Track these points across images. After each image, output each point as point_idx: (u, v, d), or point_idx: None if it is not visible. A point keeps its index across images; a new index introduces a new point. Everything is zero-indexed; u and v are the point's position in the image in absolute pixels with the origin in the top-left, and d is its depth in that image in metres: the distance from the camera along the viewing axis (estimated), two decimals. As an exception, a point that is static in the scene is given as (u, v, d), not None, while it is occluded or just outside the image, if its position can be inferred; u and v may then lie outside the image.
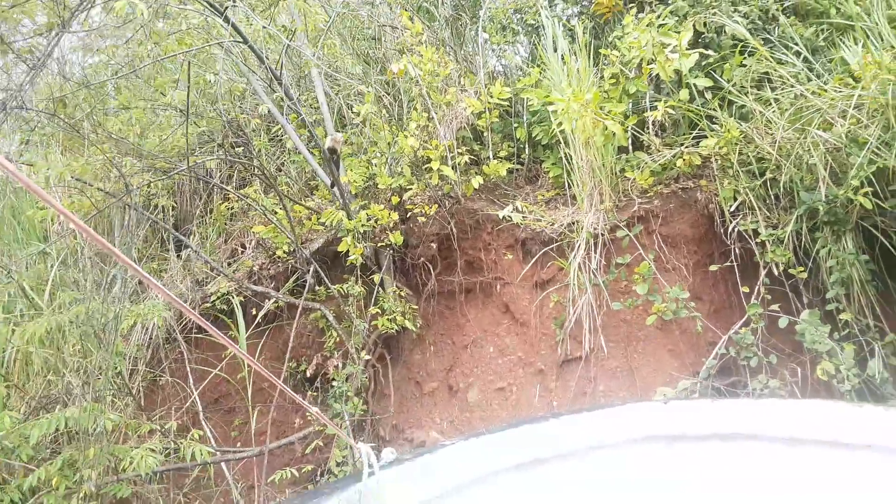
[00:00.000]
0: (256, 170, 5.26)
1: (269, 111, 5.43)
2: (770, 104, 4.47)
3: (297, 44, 5.13)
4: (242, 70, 5.08)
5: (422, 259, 5.27)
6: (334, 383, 4.44)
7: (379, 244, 5.17)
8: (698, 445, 2.80)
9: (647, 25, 4.52)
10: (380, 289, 5.10)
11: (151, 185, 4.61)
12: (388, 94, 5.91)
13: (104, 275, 4.27)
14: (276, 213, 5.21)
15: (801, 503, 2.59)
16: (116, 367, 3.87)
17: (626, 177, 4.85)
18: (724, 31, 4.83)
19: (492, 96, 5.50)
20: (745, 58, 4.60)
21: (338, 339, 5.01)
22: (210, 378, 4.74)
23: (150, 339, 4.98)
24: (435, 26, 6.61)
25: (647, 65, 4.53)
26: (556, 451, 2.78)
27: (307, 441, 4.51)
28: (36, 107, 4.18)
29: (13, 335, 3.42)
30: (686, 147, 4.62)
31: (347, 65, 6.07)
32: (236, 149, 5.25)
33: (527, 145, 5.76)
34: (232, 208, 6.08)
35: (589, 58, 4.91)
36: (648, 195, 4.74)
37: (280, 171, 6.23)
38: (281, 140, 6.34)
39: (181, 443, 3.62)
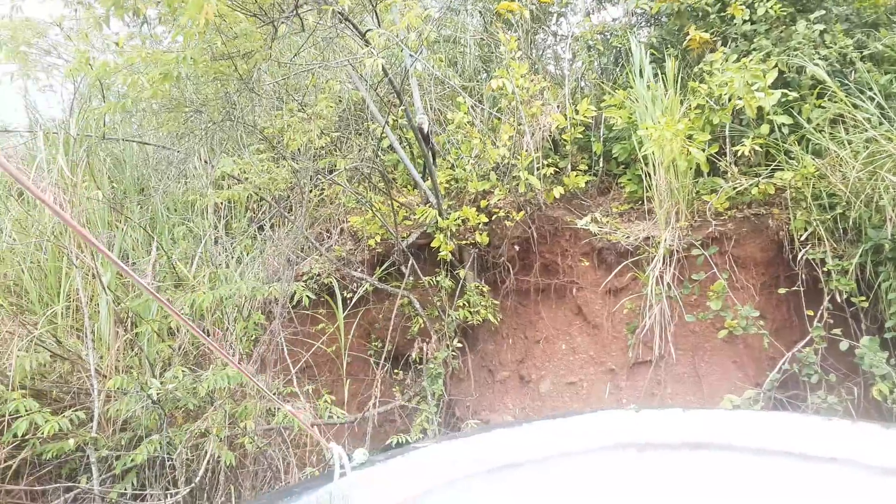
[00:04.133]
0: (377, 171, 5.75)
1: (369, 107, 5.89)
2: (843, 145, 4.86)
3: (408, 60, 5.55)
4: (354, 80, 5.54)
5: (502, 259, 5.72)
6: (430, 364, 4.91)
7: (464, 242, 5.63)
8: (668, 454, 2.87)
9: (739, 67, 4.92)
10: (463, 283, 5.57)
11: (273, 174, 5.09)
12: (479, 103, 6.34)
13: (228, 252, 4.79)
14: (377, 207, 5.66)
15: None
16: (253, 335, 4.39)
17: (702, 199, 5.26)
18: (805, 72, 5.21)
19: (577, 113, 5.93)
20: (823, 100, 4.99)
21: (422, 325, 5.49)
22: (311, 350, 5.21)
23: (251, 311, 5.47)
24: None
25: (736, 100, 4.92)
26: (528, 456, 2.81)
27: (406, 410, 5.01)
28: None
29: (184, 304, 3.91)
30: (762, 177, 5.02)
31: (440, 72, 6.50)
32: (362, 151, 5.72)
33: (601, 160, 6.19)
34: (321, 195, 6.55)
35: (676, 87, 5.33)
36: (723, 218, 5.16)
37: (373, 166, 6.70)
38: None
39: (317, 403, 4.13)
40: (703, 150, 5.10)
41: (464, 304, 5.43)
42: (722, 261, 5.01)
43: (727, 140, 5.31)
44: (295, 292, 4.51)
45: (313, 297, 4.91)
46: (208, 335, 4.20)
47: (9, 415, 3.53)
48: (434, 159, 5.66)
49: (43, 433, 3.47)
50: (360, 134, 6.19)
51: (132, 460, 3.64)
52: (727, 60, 5.24)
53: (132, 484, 3.84)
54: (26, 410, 3.51)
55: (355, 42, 5.09)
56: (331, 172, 5.74)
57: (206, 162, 5.26)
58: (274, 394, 3.55)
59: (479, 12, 7.50)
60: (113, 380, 3.61)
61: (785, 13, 5.35)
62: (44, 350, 3.97)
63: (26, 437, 3.63)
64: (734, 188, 5.16)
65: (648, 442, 2.89)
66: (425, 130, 5.40)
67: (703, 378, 4.79)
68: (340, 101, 5.77)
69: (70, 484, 3.85)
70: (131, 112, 5.21)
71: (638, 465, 2.85)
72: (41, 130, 4.90)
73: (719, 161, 5.30)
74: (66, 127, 4.82)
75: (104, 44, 4.68)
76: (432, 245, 5.43)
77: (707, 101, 5.20)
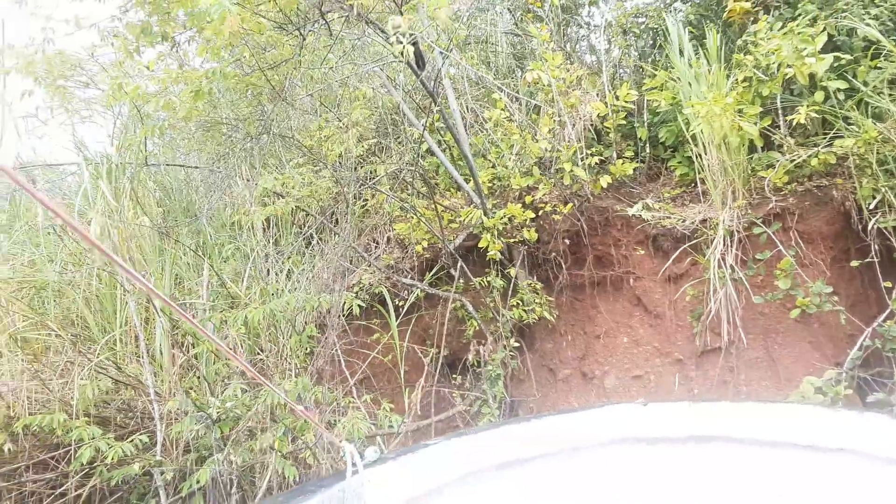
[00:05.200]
0: (418, 175, 5.69)
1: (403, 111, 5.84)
2: (906, 105, 4.59)
3: (439, 59, 5.48)
4: (387, 85, 5.50)
5: (553, 254, 5.58)
6: (488, 367, 4.79)
7: (512, 240, 5.50)
8: (676, 447, 2.84)
9: (785, 33, 4.70)
10: (515, 281, 5.44)
11: (313, 187, 5.07)
12: (515, 100, 6.23)
13: (277, 266, 4.76)
14: (421, 212, 5.58)
15: None
16: (307, 348, 4.34)
17: (758, 175, 5.03)
18: (856, 34, 4.95)
19: (618, 98, 5.76)
20: (879, 60, 4.72)
21: (476, 327, 5.38)
22: (367, 360, 5.15)
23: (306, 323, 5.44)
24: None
25: (786, 68, 4.70)
26: (537, 451, 2.79)
27: (469, 414, 4.90)
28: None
29: (235, 320, 3.89)
30: (822, 147, 4.78)
31: (474, 69, 6.42)
32: (403, 158, 5.68)
33: (647, 144, 6.00)
34: (365, 205, 6.52)
35: (720, 61, 5.12)
36: (783, 193, 4.92)
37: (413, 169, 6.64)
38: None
39: (378, 413, 4.05)
40: (756, 124, 4.88)
41: (517, 303, 5.29)
42: (786, 237, 4.77)
43: (779, 112, 5.08)
44: (345, 302, 4.44)
45: (364, 305, 4.84)
46: (264, 352, 4.17)
47: (74, 443, 3.54)
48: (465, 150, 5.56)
49: (108, 459, 3.47)
50: (398, 139, 6.14)
51: (197, 481, 3.61)
52: (772, 29, 5.01)
53: (200, 505, 3.82)
54: (90, 438, 3.51)
55: (386, 48, 5.04)
56: (372, 180, 5.69)
57: (247, 180, 5.26)
58: (331, 405, 3.49)
59: (509, 10, 7.40)
60: (172, 401, 3.60)
61: (830, -26, 5.10)
62: (105, 377, 3.99)
63: (94, 464, 3.64)
64: (792, 161, 4.92)
65: (657, 436, 2.88)
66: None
67: (777, 361, 4.55)
68: (375, 109, 5.74)
69: (139, 509, 3.85)
70: (169, 135, 5.26)
71: (647, 459, 2.85)
72: (83, 161, 4.96)
73: (773, 134, 5.07)
74: (108, 156, 4.89)
75: (137, 70, 4.73)
76: (480, 245, 5.32)
77: (754, 73, 4.98)
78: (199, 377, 4.11)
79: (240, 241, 5.07)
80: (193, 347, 4.33)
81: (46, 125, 5.43)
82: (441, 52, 4.98)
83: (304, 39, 4.60)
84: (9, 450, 3.69)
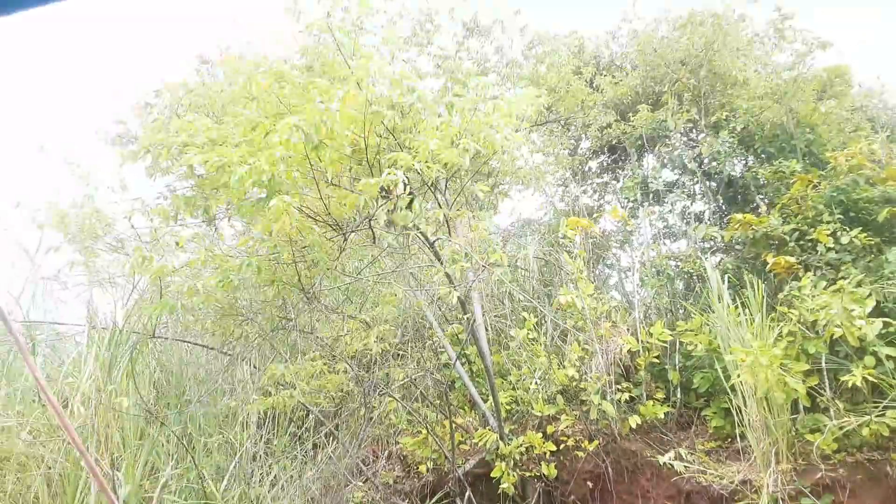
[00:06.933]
0: (438, 386, 5.37)
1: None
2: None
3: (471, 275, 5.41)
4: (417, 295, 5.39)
5: (572, 497, 5.00)
6: None
7: (528, 474, 4.96)
8: None
9: (834, 291, 4.58)
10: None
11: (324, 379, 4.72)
12: (541, 324, 6.04)
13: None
14: (432, 429, 5.14)
15: None
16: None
17: (803, 438, 4.61)
18: (904, 302, 4.81)
19: (651, 335, 5.55)
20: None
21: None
22: None
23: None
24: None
25: (833, 328, 4.50)
26: None
27: None
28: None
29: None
30: (874, 415, 4.40)
31: (509, 281, 6.34)
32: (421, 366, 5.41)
33: (678, 389, 5.65)
34: (371, 413, 6.07)
35: (762, 312, 4.95)
36: (831, 462, 4.45)
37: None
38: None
39: None
40: (802, 382, 4.56)
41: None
42: (838, 514, 4.21)
43: (824, 372, 4.79)
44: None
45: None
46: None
47: None
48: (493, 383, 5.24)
49: None
50: (419, 344, 5.86)
51: None
52: (816, 286, 4.91)
53: None
54: None
55: (424, 255, 4.99)
56: (386, 386, 5.33)
57: (255, 367, 4.93)
58: None
59: (539, 242, 7.52)
60: None
61: (871, 242, 5.11)
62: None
63: None
64: (841, 427, 4.51)
65: None
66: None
67: None
68: (401, 311, 5.56)
69: None
70: (179, 313, 5.04)
71: None
72: (88, 326, 4.70)
73: (819, 395, 4.73)
74: (114, 323, 4.63)
75: (166, 245, 4.64)
76: (492, 475, 4.80)
77: (799, 328, 4.78)
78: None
79: (229, 434, 4.59)
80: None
81: (66, 289, 5.28)
82: (473, 272, 4.89)
83: (346, 241, 4.54)
84: None
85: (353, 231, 4.59)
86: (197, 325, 5.21)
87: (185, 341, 5.28)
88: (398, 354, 5.76)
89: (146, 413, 4.44)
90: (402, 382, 5.55)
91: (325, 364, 4.97)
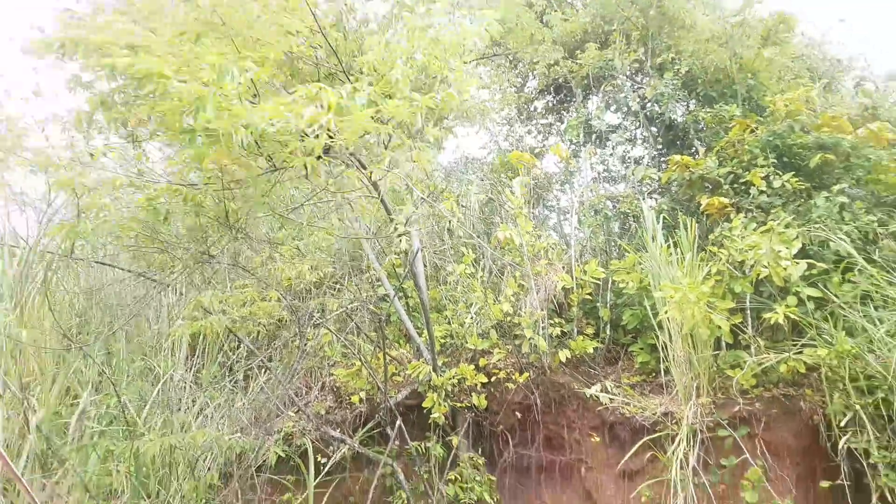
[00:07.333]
0: (374, 318, 5.30)
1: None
2: (875, 323, 4.48)
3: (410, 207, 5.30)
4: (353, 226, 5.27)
5: (501, 427, 5.09)
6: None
7: (459, 405, 5.02)
8: None
9: (764, 231, 4.67)
10: (456, 452, 4.88)
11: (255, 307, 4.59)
12: (479, 260, 6.02)
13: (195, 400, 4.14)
14: (366, 361, 5.11)
15: None
16: (204, 500, 3.62)
17: (724, 374, 4.78)
18: (828, 246, 4.95)
19: (585, 273, 5.60)
20: (853, 274, 4.68)
21: (405, 501, 4.72)
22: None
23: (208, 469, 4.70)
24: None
25: (760, 268, 4.61)
26: None
27: None
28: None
29: (124, 452, 3.22)
30: (792, 353, 4.57)
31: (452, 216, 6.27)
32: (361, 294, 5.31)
33: (608, 326, 5.77)
34: (305, 346, 6.00)
35: (694, 251, 5.04)
36: (749, 396, 4.64)
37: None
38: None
39: None
40: (727, 319, 4.69)
41: (455, 478, 4.70)
42: (752, 445, 4.41)
43: (748, 311, 4.93)
44: (262, 450, 3.80)
45: (283, 455, 4.19)
46: (151, 497, 3.44)
47: None
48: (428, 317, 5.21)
49: None
50: (355, 276, 5.78)
51: None
52: (746, 228, 5.01)
53: None
54: None
55: (359, 181, 4.83)
56: (321, 316, 5.24)
57: (181, 294, 4.76)
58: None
59: (482, 178, 7.44)
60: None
61: (802, 187, 5.22)
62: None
63: None
64: (760, 363, 4.69)
65: None
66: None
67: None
68: (337, 239, 5.44)
69: None
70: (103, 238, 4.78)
71: None
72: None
73: (741, 333, 4.88)
74: (24, 241, 4.36)
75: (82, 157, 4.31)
76: (423, 405, 4.83)
77: (727, 268, 4.89)
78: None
79: (154, 360, 4.44)
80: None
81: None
82: (422, 198, 4.79)
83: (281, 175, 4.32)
84: None
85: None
86: (122, 248, 4.97)
87: (104, 264, 5.03)
88: (334, 286, 5.67)
89: (63, 338, 4.25)
90: (337, 314, 5.47)
91: (257, 293, 4.84)
